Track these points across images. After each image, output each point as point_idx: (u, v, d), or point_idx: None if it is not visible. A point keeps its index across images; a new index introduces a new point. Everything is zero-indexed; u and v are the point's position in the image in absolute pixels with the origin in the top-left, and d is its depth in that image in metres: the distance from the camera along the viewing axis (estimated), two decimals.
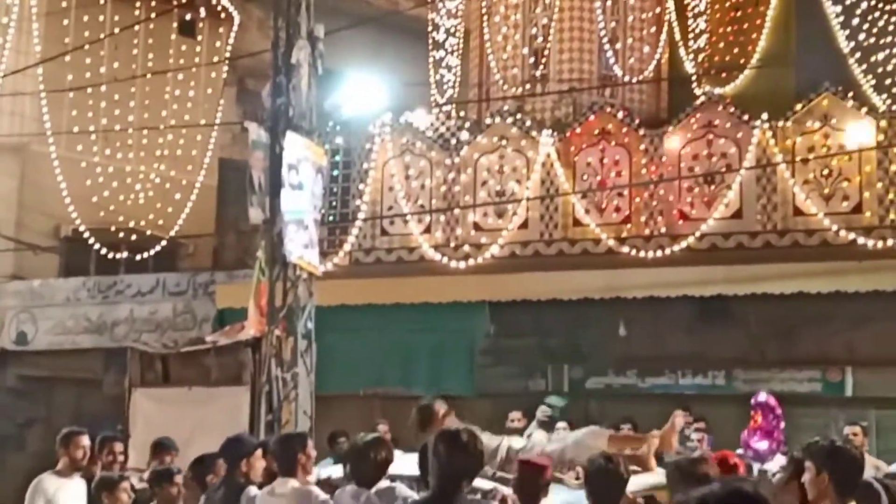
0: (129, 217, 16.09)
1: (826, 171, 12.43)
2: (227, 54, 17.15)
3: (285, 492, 6.12)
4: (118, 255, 15.47)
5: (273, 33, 10.23)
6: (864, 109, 12.54)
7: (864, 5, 14.07)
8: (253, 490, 6.43)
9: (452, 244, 13.89)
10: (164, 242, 15.43)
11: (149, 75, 15.40)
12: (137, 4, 16.64)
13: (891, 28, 14.67)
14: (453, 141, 14.26)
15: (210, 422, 9.72)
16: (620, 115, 13.58)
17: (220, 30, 17.56)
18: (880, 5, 14.19)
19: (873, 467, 8.69)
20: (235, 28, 17.80)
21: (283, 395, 9.81)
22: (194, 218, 16.41)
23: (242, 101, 16.78)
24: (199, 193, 16.58)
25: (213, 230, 16.64)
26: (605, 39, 14.70)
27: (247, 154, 10.60)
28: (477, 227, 13.90)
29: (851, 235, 12.07)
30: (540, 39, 14.89)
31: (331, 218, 14.57)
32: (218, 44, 17.40)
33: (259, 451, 6.83)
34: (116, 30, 14.71)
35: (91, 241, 15.51)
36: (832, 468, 4.66)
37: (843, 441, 9.04)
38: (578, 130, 13.67)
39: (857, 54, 14.32)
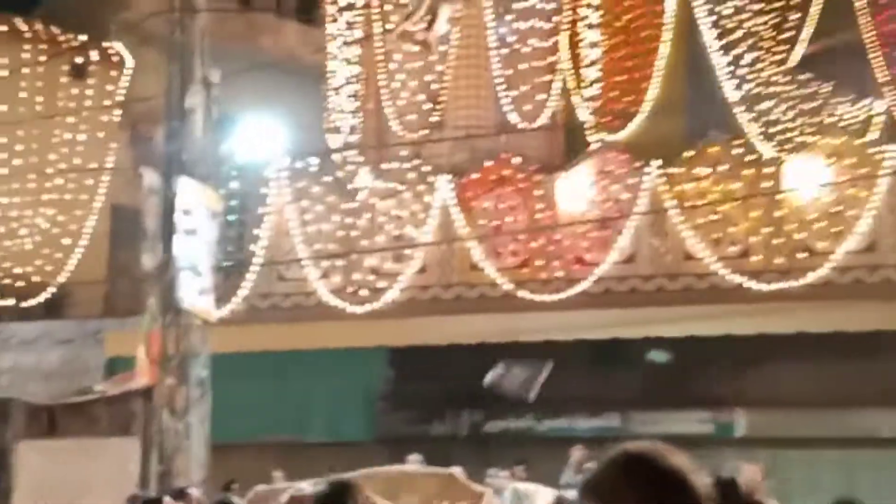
0: (15, 263, 15.62)
1: (715, 217, 12.74)
2: (120, 98, 16.86)
3: None
4: (3, 303, 14.98)
5: (167, 78, 10.11)
6: (751, 157, 12.91)
7: (749, 57, 14.53)
8: None
9: (350, 289, 13.81)
10: (52, 290, 15.01)
11: (37, 119, 15.04)
12: (27, 46, 16.28)
13: (775, 78, 15.20)
14: (350, 186, 14.23)
15: (100, 474, 9.43)
16: (516, 160, 13.74)
17: (112, 73, 17.26)
18: (765, 56, 14.68)
19: None
20: (128, 71, 17.53)
21: (175, 446, 9.59)
22: (85, 264, 16.01)
23: (135, 145, 16.48)
24: (90, 240, 16.19)
25: (104, 277, 16.24)
26: (500, 87, 14.89)
27: (139, 199, 10.42)
28: (375, 271, 13.86)
29: (739, 279, 12.37)
30: (436, 86, 15.01)
31: (226, 263, 14.36)
32: (110, 87, 17.08)
33: None
34: (4, 72, 14.36)
35: None
36: None
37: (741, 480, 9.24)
38: (475, 176, 13.78)
39: (745, 104, 14.77)
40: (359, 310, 13.48)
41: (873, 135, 15.21)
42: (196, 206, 9.82)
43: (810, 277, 12.03)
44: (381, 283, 13.68)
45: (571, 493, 10.15)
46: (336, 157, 14.88)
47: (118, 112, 16.80)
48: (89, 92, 17.12)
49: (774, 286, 12.17)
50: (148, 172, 9.85)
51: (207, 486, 10.27)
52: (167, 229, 9.85)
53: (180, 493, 6.93)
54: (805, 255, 12.27)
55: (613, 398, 12.89)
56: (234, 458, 12.50)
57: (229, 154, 12.23)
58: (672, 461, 1.72)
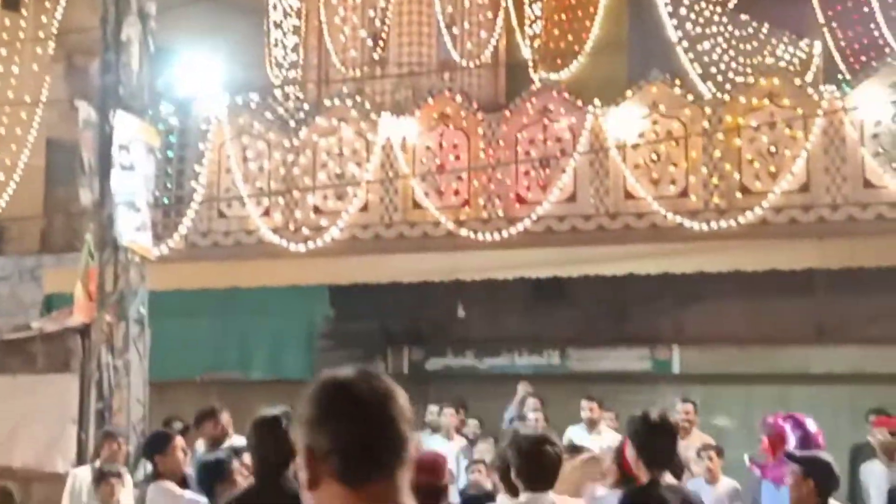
0: None
1: (655, 157, 12.84)
2: (55, 30, 16.46)
3: None
4: None
5: (102, 8, 9.88)
6: (691, 97, 13.00)
7: None
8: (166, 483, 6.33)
9: (292, 227, 13.75)
10: None
11: None
12: None
13: (716, 18, 15.29)
14: (292, 123, 14.11)
15: (37, 411, 9.37)
16: (459, 99, 13.70)
17: (47, 4, 16.83)
18: None
19: (700, 441, 9.10)
20: (63, 2, 17.10)
21: (114, 383, 9.56)
22: (21, 199, 15.74)
23: (71, 78, 16.14)
24: (25, 174, 15.90)
25: (41, 212, 15.98)
26: (443, 24, 14.79)
27: (76, 134, 10.24)
28: (317, 210, 13.80)
29: (679, 219, 12.51)
30: (378, 23, 14.86)
31: (166, 200, 14.23)
32: (44, 18, 16.67)
33: (177, 441, 6.62)
34: None
35: None
36: (642, 443, 4.79)
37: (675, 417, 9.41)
38: (417, 114, 13.72)
39: (685, 43, 14.85)
40: (300, 248, 13.44)
41: (810, 75, 15.43)
42: (133, 140, 9.67)
43: (747, 217, 12.20)
44: (323, 222, 13.64)
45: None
46: (277, 93, 14.70)
47: (53, 44, 16.42)
48: (23, 24, 16.70)
49: (712, 225, 12.34)
50: (83, 106, 9.67)
51: (147, 423, 10.27)
52: (104, 164, 9.70)
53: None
54: (742, 195, 12.42)
55: (553, 336, 13.05)
56: (176, 395, 12.49)
57: (167, 88, 12.04)
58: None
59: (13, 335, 10.00)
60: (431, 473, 4.78)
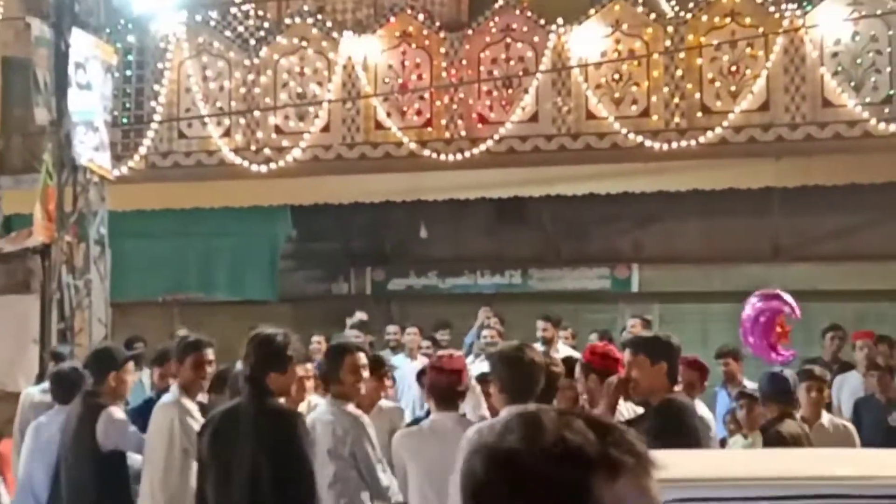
0: None
1: (617, 77, 12.84)
2: None
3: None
4: None
5: None
6: (653, 15, 12.97)
7: None
8: (116, 411, 6.09)
9: (253, 147, 13.67)
10: None
11: None
12: None
13: None
14: (252, 41, 13.94)
15: None
16: (421, 17, 13.58)
17: None
18: None
19: None
20: None
21: (75, 303, 9.57)
22: None
23: None
24: None
25: None
26: None
27: (31, 52, 10.09)
28: (278, 130, 13.71)
29: (640, 138, 12.56)
30: None
31: (125, 120, 14.07)
32: None
33: (130, 365, 6.38)
34: None
35: None
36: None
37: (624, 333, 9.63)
38: (379, 33, 13.59)
39: None
40: (262, 168, 13.38)
41: None
42: (90, 58, 9.56)
43: (707, 137, 12.28)
44: (285, 142, 13.56)
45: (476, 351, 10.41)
46: (237, 11, 14.48)
47: None
48: None
49: (673, 145, 12.41)
50: (36, 23, 9.52)
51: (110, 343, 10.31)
52: (60, 83, 9.59)
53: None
54: (703, 114, 12.48)
55: (515, 256, 13.16)
56: (138, 315, 12.55)
57: (124, 5, 11.84)
58: None
59: None
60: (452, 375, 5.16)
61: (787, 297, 8.62)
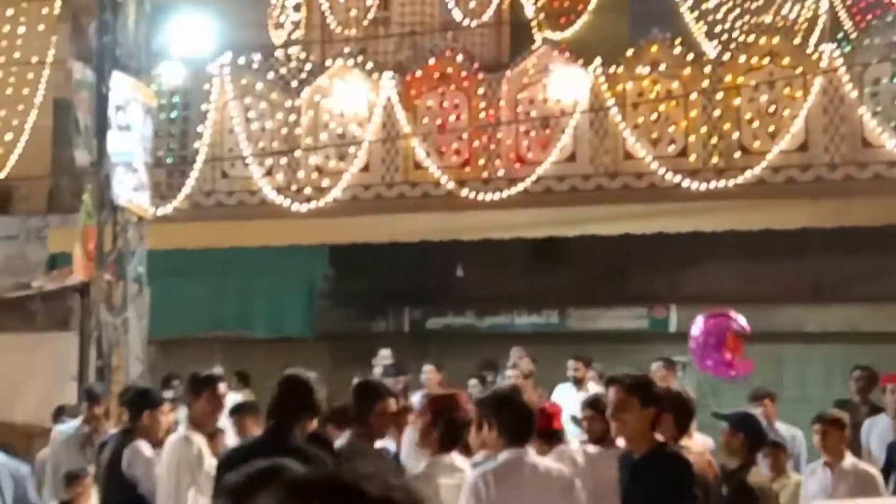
0: None
1: (654, 117, 12.84)
2: None
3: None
4: None
5: None
6: (691, 56, 12.98)
7: None
8: (143, 445, 6.24)
9: (294, 187, 13.85)
10: None
11: None
12: None
13: None
14: (294, 83, 14.16)
15: (37, 368, 9.56)
16: (460, 58, 13.71)
17: None
18: None
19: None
20: None
21: (113, 341, 9.72)
22: (29, 160, 15.86)
23: (76, 39, 16.21)
24: (33, 135, 16.00)
25: (48, 172, 16.12)
26: None
27: (73, 94, 10.35)
28: (319, 169, 13.88)
29: (677, 178, 12.54)
30: None
31: (169, 160, 14.35)
32: None
33: (165, 406, 6.58)
34: None
35: None
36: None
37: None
38: (419, 74, 13.75)
39: (689, 1, 14.77)
40: (302, 208, 13.54)
41: (815, 35, 15.32)
42: (130, 101, 9.78)
43: (745, 177, 12.22)
44: (325, 182, 13.73)
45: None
46: (279, 53, 14.74)
47: (59, 3, 16.47)
48: None
49: (711, 185, 12.36)
50: (77, 66, 9.77)
51: (146, 381, 10.46)
52: (101, 125, 9.82)
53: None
54: (741, 154, 12.43)
55: (552, 295, 13.14)
56: (178, 353, 12.70)
57: (164, 48, 12.10)
58: None
59: (13, 294, 10.18)
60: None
61: (734, 314, 8.79)
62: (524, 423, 4.72)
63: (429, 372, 10.32)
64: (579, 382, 10.23)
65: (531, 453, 4.76)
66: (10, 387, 9.30)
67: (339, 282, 13.47)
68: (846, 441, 6.69)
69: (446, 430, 4.97)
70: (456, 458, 5.06)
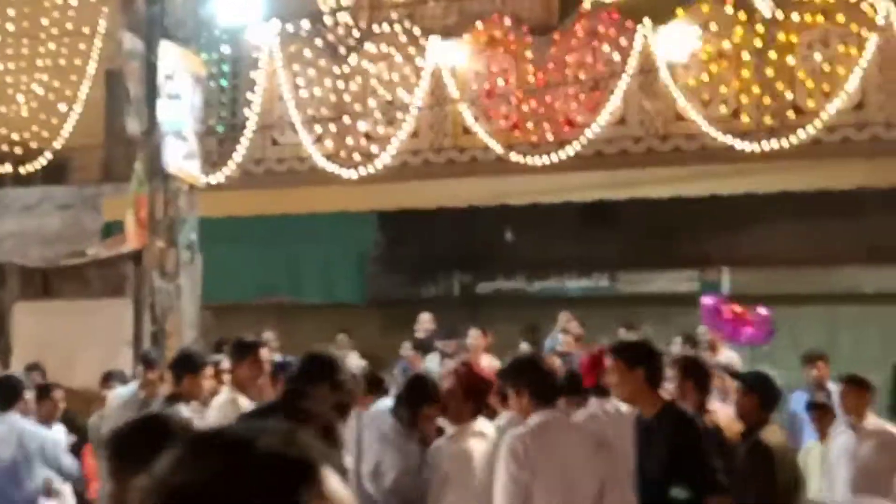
0: (12, 129, 15.69)
1: (706, 77, 12.67)
2: None
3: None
4: (3, 169, 15.13)
5: None
6: (743, 15, 12.75)
7: None
8: (182, 409, 6.33)
9: (343, 154, 13.89)
10: (49, 155, 15.12)
11: None
12: None
13: None
14: (342, 49, 14.17)
15: (93, 334, 9.73)
16: (508, 22, 13.61)
17: None
18: None
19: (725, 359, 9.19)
20: None
21: (166, 307, 9.85)
22: (82, 130, 16.06)
23: (126, 9, 16.32)
24: (86, 105, 16.18)
25: (101, 142, 16.31)
26: None
27: (124, 65, 10.44)
28: (368, 136, 13.91)
29: (729, 140, 12.38)
30: None
31: (220, 129, 14.45)
32: None
33: (207, 370, 6.56)
34: None
35: None
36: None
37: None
38: (467, 38, 13.68)
39: None
40: (352, 174, 13.58)
41: None
42: (178, 70, 9.85)
43: (799, 137, 12.03)
44: (374, 148, 13.75)
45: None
46: (327, 20, 14.73)
47: None
48: None
49: (763, 146, 12.19)
50: (127, 36, 9.85)
51: (200, 346, 10.60)
52: (151, 94, 9.91)
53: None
54: (794, 114, 12.23)
55: (602, 259, 13.08)
56: (231, 319, 12.81)
57: (212, 17, 12.15)
58: None
59: (69, 261, 10.35)
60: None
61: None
62: (551, 385, 4.88)
63: (475, 336, 10.34)
64: None
65: (561, 413, 4.89)
66: (67, 353, 9.46)
67: (389, 247, 13.52)
68: (868, 402, 6.65)
69: (474, 400, 5.20)
70: (482, 423, 5.29)
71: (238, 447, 1.23)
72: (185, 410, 6.17)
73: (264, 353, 6.01)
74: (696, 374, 5.76)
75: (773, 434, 5.79)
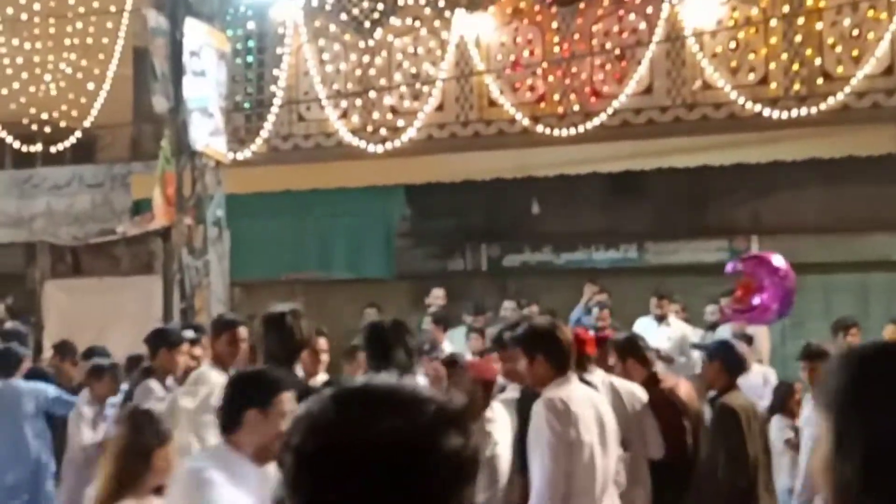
0: (41, 109, 15.79)
1: (733, 45, 12.55)
2: None
3: None
4: (33, 148, 15.24)
5: None
6: None
7: None
8: (153, 384, 6.46)
9: (370, 128, 13.89)
10: (78, 134, 15.20)
11: None
12: None
13: None
14: (367, 23, 14.13)
15: (123, 311, 9.84)
16: None
17: None
18: None
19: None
20: None
21: (195, 283, 9.93)
22: (111, 108, 16.12)
23: None
24: (114, 83, 16.23)
25: (130, 120, 16.39)
26: None
27: (149, 42, 10.48)
28: (393, 110, 13.90)
29: (757, 107, 12.26)
30: None
31: (247, 105, 14.49)
32: None
33: (185, 346, 6.74)
34: None
35: (3, 134, 15.25)
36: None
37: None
38: (491, 10, 13.61)
39: None
40: (378, 149, 13.58)
41: None
42: (203, 46, 9.88)
43: (828, 103, 11.90)
44: (400, 122, 13.74)
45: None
46: None
47: None
48: None
49: (793, 113, 12.07)
50: (152, 14, 9.88)
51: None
52: (176, 71, 9.94)
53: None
54: (823, 80, 12.10)
55: (630, 229, 13.03)
56: (261, 295, 12.89)
57: None
58: None
59: (99, 239, 10.44)
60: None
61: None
62: (568, 352, 5.01)
63: (510, 308, 10.37)
64: (661, 319, 10.25)
65: (575, 379, 5.02)
66: (98, 329, 9.56)
67: (416, 221, 13.54)
68: None
69: (487, 392, 5.47)
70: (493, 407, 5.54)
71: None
72: (155, 386, 6.28)
73: (243, 331, 6.06)
74: (634, 352, 6.31)
75: (736, 398, 6.16)
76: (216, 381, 5.70)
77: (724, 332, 9.71)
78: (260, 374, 3.99)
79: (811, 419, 6.59)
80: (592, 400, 5.07)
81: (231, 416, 3.62)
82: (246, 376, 3.94)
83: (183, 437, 5.13)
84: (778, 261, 9.20)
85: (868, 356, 1.61)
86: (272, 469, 3.58)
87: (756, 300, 9.11)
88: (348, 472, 1.31)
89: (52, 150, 15.15)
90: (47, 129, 15.46)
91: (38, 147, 15.17)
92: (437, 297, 11.77)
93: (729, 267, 9.73)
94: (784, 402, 7.55)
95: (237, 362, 6.12)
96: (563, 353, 4.96)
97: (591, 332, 9.82)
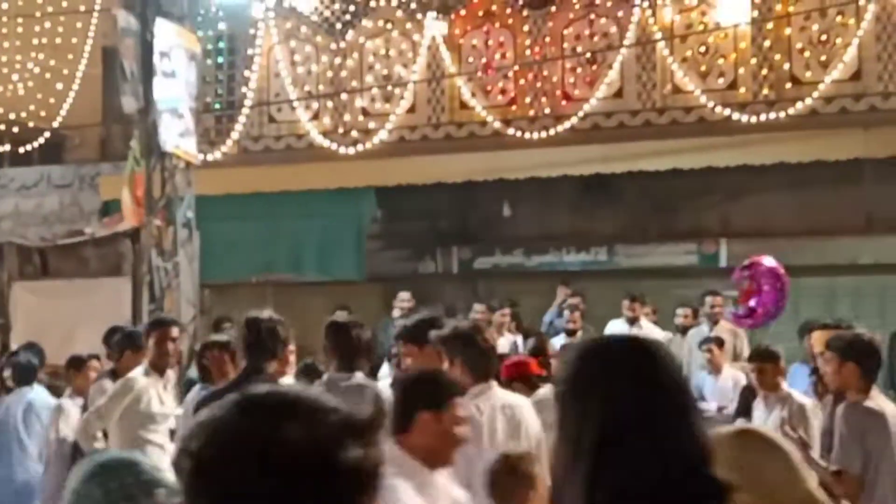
0: (9, 109, 15.65)
1: (703, 49, 12.64)
2: None
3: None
4: (1, 149, 15.11)
5: None
6: None
7: None
8: (108, 384, 6.54)
9: (341, 130, 13.87)
10: (47, 134, 15.08)
11: None
12: None
13: None
14: (338, 25, 14.12)
15: (92, 312, 9.74)
16: None
17: None
18: None
19: (726, 332, 9.21)
20: None
21: (164, 285, 9.88)
22: (80, 109, 16.00)
23: None
24: (83, 83, 16.10)
25: (99, 121, 16.27)
26: None
27: (119, 42, 10.41)
28: (365, 112, 13.88)
29: (727, 111, 12.35)
30: None
31: (217, 106, 14.43)
32: None
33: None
34: None
35: None
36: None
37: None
38: (463, 13, 13.63)
39: None
40: (349, 150, 13.56)
41: None
42: (173, 47, 9.83)
43: (797, 108, 12.01)
44: (371, 124, 13.72)
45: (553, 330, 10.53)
46: None
47: None
48: None
49: (762, 118, 12.17)
50: (121, 14, 9.82)
51: (200, 324, 10.64)
52: (146, 72, 9.89)
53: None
54: (792, 85, 12.21)
55: (600, 232, 13.09)
56: (232, 297, 12.85)
57: None
58: None
59: (67, 240, 10.35)
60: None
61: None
62: (488, 361, 4.75)
63: (479, 311, 10.37)
64: (633, 321, 10.29)
65: (496, 388, 4.78)
66: (66, 331, 9.49)
67: (388, 223, 13.53)
68: (781, 373, 6.92)
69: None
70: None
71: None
72: (109, 386, 6.31)
73: (174, 331, 6.17)
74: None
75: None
76: (139, 384, 5.80)
77: (695, 335, 9.78)
78: (436, 375, 3.93)
79: (759, 420, 6.63)
80: (514, 410, 4.72)
81: (403, 417, 3.56)
82: (421, 377, 3.87)
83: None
84: (776, 264, 9.29)
85: (585, 351, 1.90)
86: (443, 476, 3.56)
87: (752, 302, 9.16)
88: (246, 479, 1.30)
89: (21, 150, 15.02)
90: (15, 130, 15.32)
91: (6, 147, 15.04)
92: (403, 300, 11.68)
93: (735, 274, 9.74)
94: (748, 405, 7.55)
95: (171, 363, 6.20)
96: (482, 361, 4.68)
97: (561, 336, 9.92)
